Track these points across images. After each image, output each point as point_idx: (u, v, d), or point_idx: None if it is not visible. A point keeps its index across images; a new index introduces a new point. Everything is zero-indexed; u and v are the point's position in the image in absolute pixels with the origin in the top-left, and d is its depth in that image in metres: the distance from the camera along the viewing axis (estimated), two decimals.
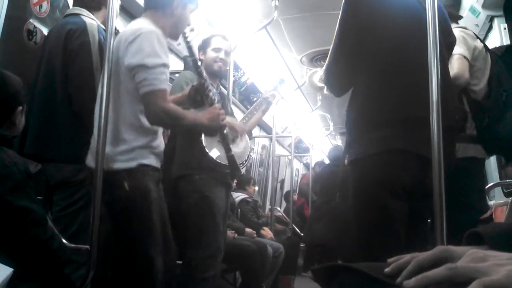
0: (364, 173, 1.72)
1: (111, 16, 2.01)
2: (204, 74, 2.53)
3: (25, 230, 1.70)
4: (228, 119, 2.83)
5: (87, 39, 2.27)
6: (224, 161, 2.74)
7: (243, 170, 2.98)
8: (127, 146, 1.96)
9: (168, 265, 2.10)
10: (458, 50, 2.24)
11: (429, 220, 1.76)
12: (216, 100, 2.48)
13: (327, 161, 7.80)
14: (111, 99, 1.98)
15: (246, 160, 3.00)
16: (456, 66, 2.22)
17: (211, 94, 2.40)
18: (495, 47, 2.64)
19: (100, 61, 2.23)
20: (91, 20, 2.34)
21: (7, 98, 1.84)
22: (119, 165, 1.94)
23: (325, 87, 2.03)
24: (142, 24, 2.04)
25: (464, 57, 2.26)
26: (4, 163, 1.71)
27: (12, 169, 1.72)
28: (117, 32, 2.28)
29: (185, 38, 2.35)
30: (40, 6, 2.64)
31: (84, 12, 2.38)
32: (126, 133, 1.97)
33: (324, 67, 1.99)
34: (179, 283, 2.63)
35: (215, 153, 2.76)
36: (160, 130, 2.15)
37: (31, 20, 2.60)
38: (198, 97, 2.43)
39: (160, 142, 2.13)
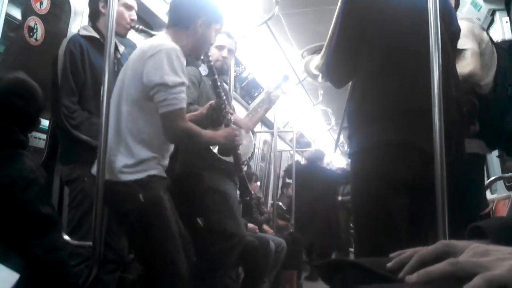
0: (363, 166, 1.71)
1: (111, 16, 2.00)
2: (223, 94, 2.55)
3: (43, 236, 1.71)
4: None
5: None
6: (229, 158, 2.75)
7: (245, 168, 3.00)
8: (136, 159, 1.96)
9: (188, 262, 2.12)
10: (470, 44, 2.19)
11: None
12: (232, 120, 2.49)
13: None
14: (122, 112, 2.00)
15: (249, 158, 3.01)
16: (471, 62, 2.16)
17: (228, 115, 2.43)
18: (501, 41, 2.61)
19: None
20: None
21: (39, 108, 1.93)
22: (128, 176, 1.94)
23: (322, 76, 2.02)
24: (163, 40, 2.04)
25: (477, 52, 2.21)
26: (31, 168, 1.75)
27: (37, 173, 1.75)
28: None
29: (207, 57, 2.36)
30: (41, 3, 2.64)
31: None
32: (136, 148, 1.97)
33: (320, 56, 1.98)
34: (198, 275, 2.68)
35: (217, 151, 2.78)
36: (171, 149, 2.17)
37: (32, 17, 2.60)
38: (215, 116, 2.44)
39: (167, 159, 2.15)
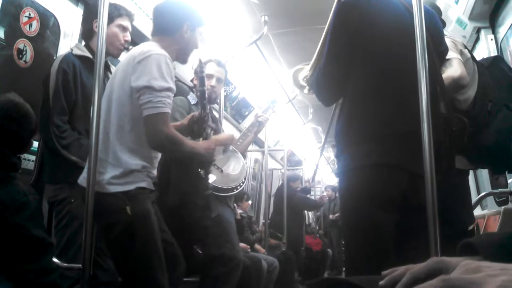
0: (350, 185, 1.71)
1: (102, 20, 2.00)
2: (208, 107, 2.56)
3: (35, 260, 1.70)
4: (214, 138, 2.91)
5: None
6: (221, 184, 2.76)
7: (239, 189, 3.01)
8: (124, 169, 1.94)
9: (174, 280, 2.09)
10: (454, 54, 2.23)
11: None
12: (212, 133, 2.50)
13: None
14: (111, 120, 1.98)
15: (243, 182, 3.01)
16: (458, 67, 2.19)
17: (209, 129, 2.43)
18: (482, 59, 2.66)
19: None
20: None
21: (32, 132, 1.96)
22: (116, 188, 1.92)
23: (308, 88, 2.03)
24: (152, 46, 2.04)
25: (461, 61, 2.25)
26: (23, 191, 1.74)
27: (29, 197, 1.74)
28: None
29: (201, 68, 2.38)
30: (30, 25, 2.64)
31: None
32: (125, 156, 1.95)
33: (309, 67, 1.98)
34: None
35: (211, 177, 2.78)
36: (158, 158, 2.16)
37: (21, 39, 2.60)
38: (195, 127, 2.45)
39: (155, 168, 2.13)
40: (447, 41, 2.22)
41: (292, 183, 6.80)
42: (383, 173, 1.64)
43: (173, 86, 1.98)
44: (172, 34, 2.15)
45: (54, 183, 2.40)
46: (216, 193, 2.80)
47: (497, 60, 2.49)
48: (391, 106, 1.68)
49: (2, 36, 2.57)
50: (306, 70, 2.02)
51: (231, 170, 2.95)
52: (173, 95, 2.00)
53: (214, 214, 2.82)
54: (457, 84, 2.14)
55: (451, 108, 1.88)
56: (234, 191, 2.93)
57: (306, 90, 2.07)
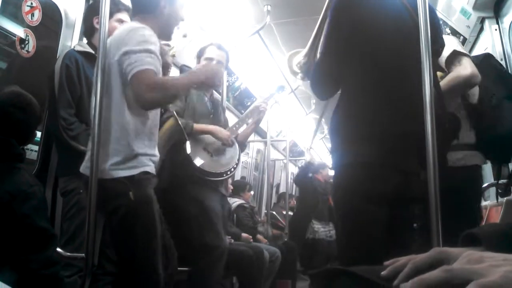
0: (342, 181, 1.72)
1: (103, 18, 2.00)
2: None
3: (39, 251, 1.71)
4: (213, 127, 2.86)
5: None
6: (209, 168, 2.75)
7: (229, 174, 2.99)
8: (128, 154, 1.93)
9: (169, 271, 2.10)
10: (462, 50, 2.23)
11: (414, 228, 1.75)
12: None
13: None
14: (111, 106, 1.97)
15: (233, 168, 2.99)
16: (468, 65, 2.16)
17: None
18: (473, 56, 2.65)
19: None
20: None
21: (37, 120, 1.98)
22: (120, 173, 1.91)
23: (302, 75, 2.02)
24: (134, 24, 2.03)
25: (470, 58, 2.24)
26: (29, 182, 1.75)
27: (35, 188, 1.75)
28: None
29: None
30: (32, 15, 2.64)
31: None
32: (127, 140, 1.94)
33: (303, 54, 1.97)
34: None
35: (199, 161, 2.77)
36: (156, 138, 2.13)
37: (23, 29, 2.59)
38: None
39: (156, 150, 2.12)
40: (451, 38, 2.21)
41: (322, 170, 6.59)
42: (374, 171, 1.64)
43: (154, 49, 1.93)
44: (152, 11, 2.11)
45: (64, 175, 2.49)
46: (203, 177, 2.79)
47: (488, 57, 2.49)
48: (385, 106, 1.67)
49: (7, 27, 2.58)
50: (300, 56, 2.01)
51: (222, 155, 2.93)
52: (156, 57, 1.94)
53: (203, 200, 2.80)
54: (469, 83, 2.14)
55: (443, 106, 1.87)
56: (223, 176, 2.90)
57: (299, 76, 2.06)
